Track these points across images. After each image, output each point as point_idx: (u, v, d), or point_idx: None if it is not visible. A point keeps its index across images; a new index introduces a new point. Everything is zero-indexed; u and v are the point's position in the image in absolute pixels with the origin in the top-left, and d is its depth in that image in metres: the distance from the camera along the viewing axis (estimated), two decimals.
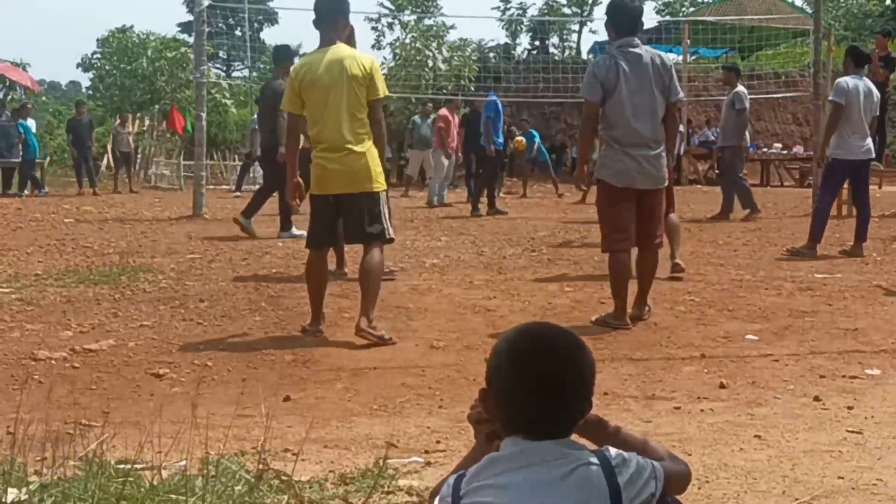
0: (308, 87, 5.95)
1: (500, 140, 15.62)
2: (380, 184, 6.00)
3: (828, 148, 9.69)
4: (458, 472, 1.95)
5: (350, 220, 6.03)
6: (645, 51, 6.31)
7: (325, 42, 6.05)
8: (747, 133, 13.89)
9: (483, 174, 15.64)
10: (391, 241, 6.20)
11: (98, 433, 3.75)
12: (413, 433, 4.20)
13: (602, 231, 6.54)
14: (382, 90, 6.04)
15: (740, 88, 13.42)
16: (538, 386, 1.87)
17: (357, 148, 5.90)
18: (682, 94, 6.59)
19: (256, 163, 21.31)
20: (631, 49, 6.24)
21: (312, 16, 6.10)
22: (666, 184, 6.48)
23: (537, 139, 21.47)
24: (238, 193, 19.83)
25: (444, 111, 18.12)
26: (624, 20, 6.31)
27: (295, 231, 10.85)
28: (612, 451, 1.92)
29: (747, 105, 13.40)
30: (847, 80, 9.51)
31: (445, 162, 17.46)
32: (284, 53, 11.70)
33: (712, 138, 23.33)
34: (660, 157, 6.32)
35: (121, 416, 4.38)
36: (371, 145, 5.97)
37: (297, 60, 8.54)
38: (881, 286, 7.72)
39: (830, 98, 9.68)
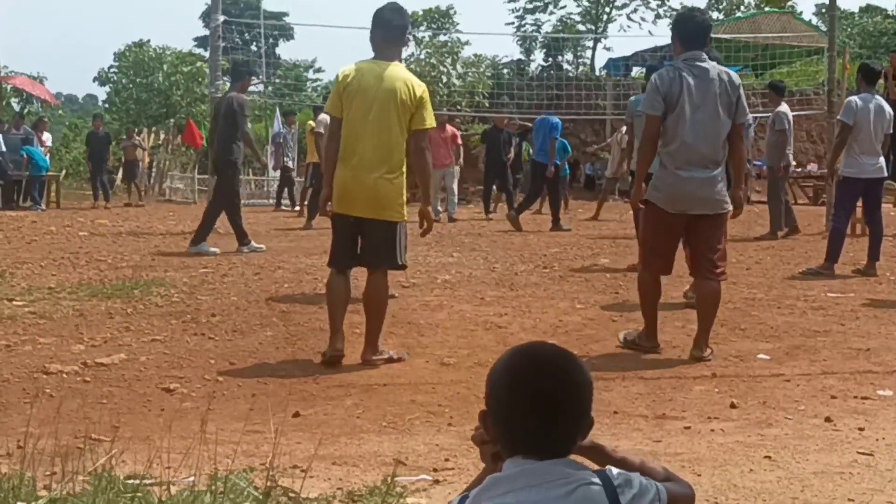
0: (352, 95, 5.76)
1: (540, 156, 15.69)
2: (401, 214, 5.83)
3: (838, 166, 9.68)
4: (462, 494, 1.96)
5: (367, 245, 5.89)
6: (712, 66, 5.92)
7: (383, 56, 5.88)
8: (789, 153, 13.67)
9: (551, 192, 15.91)
10: (403, 267, 6.11)
11: (107, 448, 3.76)
12: (422, 451, 4.20)
13: (640, 251, 6.25)
14: (430, 121, 5.88)
15: (782, 108, 13.21)
16: (535, 404, 1.87)
17: (388, 174, 5.73)
18: (749, 116, 6.17)
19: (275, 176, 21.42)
20: (698, 63, 5.88)
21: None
22: (727, 209, 5.98)
23: (569, 150, 21.17)
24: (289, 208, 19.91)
25: None
26: (691, 33, 5.96)
27: (255, 244, 11.17)
28: (615, 471, 1.91)
29: (787, 125, 13.20)
30: (856, 100, 9.48)
31: None
32: (244, 68, 12.02)
33: None
34: (716, 179, 5.89)
35: (131, 431, 4.39)
36: (401, 173, 5.81)
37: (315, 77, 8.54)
38: (868, 300, 7.69)
39: (839, 117, 9.63)
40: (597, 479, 1.86)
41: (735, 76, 6.02)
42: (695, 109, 5.81)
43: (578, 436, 1.92)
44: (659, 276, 6.24)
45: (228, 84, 12.59)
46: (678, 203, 5.90)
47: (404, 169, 5.85)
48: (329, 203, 5.94)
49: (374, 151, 5.72)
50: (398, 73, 5.84)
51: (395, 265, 5.93)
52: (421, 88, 5.85)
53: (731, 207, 6.00)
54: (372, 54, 5.98)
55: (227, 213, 11.44)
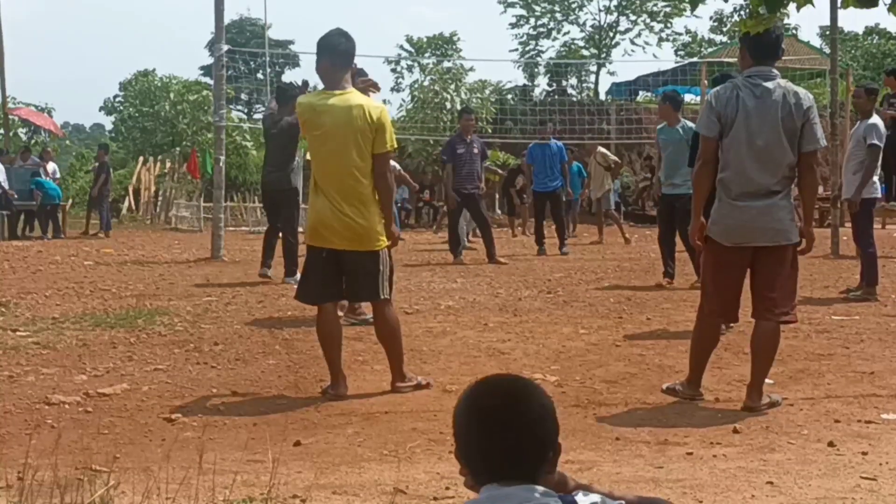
0: (310, 130, 5.67)
1: (554, 182, 15.57)
2: (381, 241, 5.68)
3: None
4: None
5: (348, 278, 5.76)
6: (777, 85, 5.29)
7: (332, 85, 5.69)
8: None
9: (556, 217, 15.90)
10: (387, 301, 5.82)
11: (107, 479, 3.75)
12: (422, 479, 4.17)
13: (701, 292, 5.69)
14: (390, 143, 5.67)
15: None
16: (494, 432, 1.90)
17: (359, 205, 5.57)
18: (822, 143, 5.41)
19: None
20: (762, 81, 5.28)
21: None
22: (791, 241, 5.34)
23: (585, 174, 20.98)
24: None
25: None
26: (760, 45, 5.25)
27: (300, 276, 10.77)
28: (582, 495, 1.91)
29: None
30: (880, 122, 9.46)
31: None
32: (290, 93, 11.31)
33: None
34: (777, 207, 5.28)
35: (131, 462, 4.37)
36: (374, 202, 5.64)
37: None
38: (873, 323, 7.66)
39: (874, 141, 9.34)
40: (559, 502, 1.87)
41: (805, 98, 5.34)
42: (752, 135, 5.25)
43: (544, 462, 1.93)
44: (719, 326, 5.79)
45: (233, 111, 12.45)
46: (734, 234, 5.34)
47: (375, 196, 5.65)
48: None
49: (339, 187, 5.57)
50: (352, 100, 5.61)
51: (376, 298, 5.77)
52: (378, 111, 5.63)
53: (796, 239, 5.37)
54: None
55: (287, 241, 11.02)
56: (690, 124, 9.27)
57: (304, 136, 5.73)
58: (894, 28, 46.48)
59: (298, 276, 10.41)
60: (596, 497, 1.93)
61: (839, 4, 4.19)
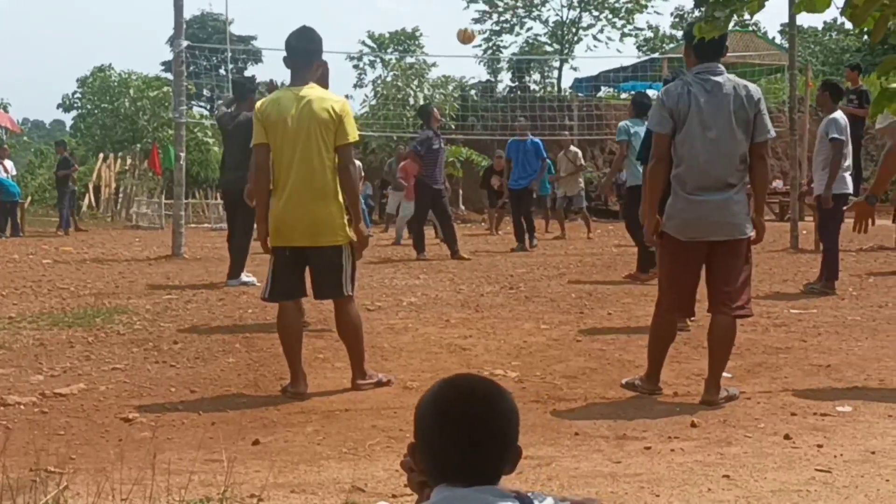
0: (273, 127, 5.65)
1: (527, 180, 15.59)
2: (344, 236, 5.67)
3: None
4: None
5: (313, 274, 5.76)
6: (727, 79, 5.38)
7: (297, 81, 5.76)
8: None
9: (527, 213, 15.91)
10: (349, 298, 5.80)
11: (59, 480, 3.70)
12: (381, 477, 4.16)
13: (658, 288, 5.77)
14: (352, 135, 5.68)
15: None
16: (459, 433, 1.89)
17: (321, 199, 5.58)
18: (772, 133, 5.48)
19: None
20: (711, 77, 5.36)
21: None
22: (746, 234, 5.41)
23: (553, 171, 20.84)
24: None
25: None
26: (704, 44, 5.21)
27: (244, 277, 10.42)
28: (537, 495, 1.92)
29: None
30: (840, 117, 9.54)
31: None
32: (247, 87, 10.98)
33: None
34: (733, 201, 5.34)
35: (86, 463, 4.32)
36: (336, 196, 5.64)
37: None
38: (830, 316, 7.74)
39: (834, 135, 9.42)
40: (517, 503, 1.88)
41: (754, 90, 5.45)
42: (706, 128, 5.30)
43: (505, 464, 1.93)
44: (676, 321, 5.83)
45: (194, 108, 12.20)
46: (690, 229, 5.38)
47: (339, 190, 5.66)
48: (266, 239, 5.76)
49: (303, 179, 5.58)
50: (313, 94, 5.67)
51: (339, 295, 5.75)
52: (340, 104, 5.69)
53: (751, 232, 5.45)
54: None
55: (239, 243, 10.56)
56: None
57: (268, 133, 5.65)
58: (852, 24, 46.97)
59: (243, 278, 10.35)
60: (549, 499, 1.93)
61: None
